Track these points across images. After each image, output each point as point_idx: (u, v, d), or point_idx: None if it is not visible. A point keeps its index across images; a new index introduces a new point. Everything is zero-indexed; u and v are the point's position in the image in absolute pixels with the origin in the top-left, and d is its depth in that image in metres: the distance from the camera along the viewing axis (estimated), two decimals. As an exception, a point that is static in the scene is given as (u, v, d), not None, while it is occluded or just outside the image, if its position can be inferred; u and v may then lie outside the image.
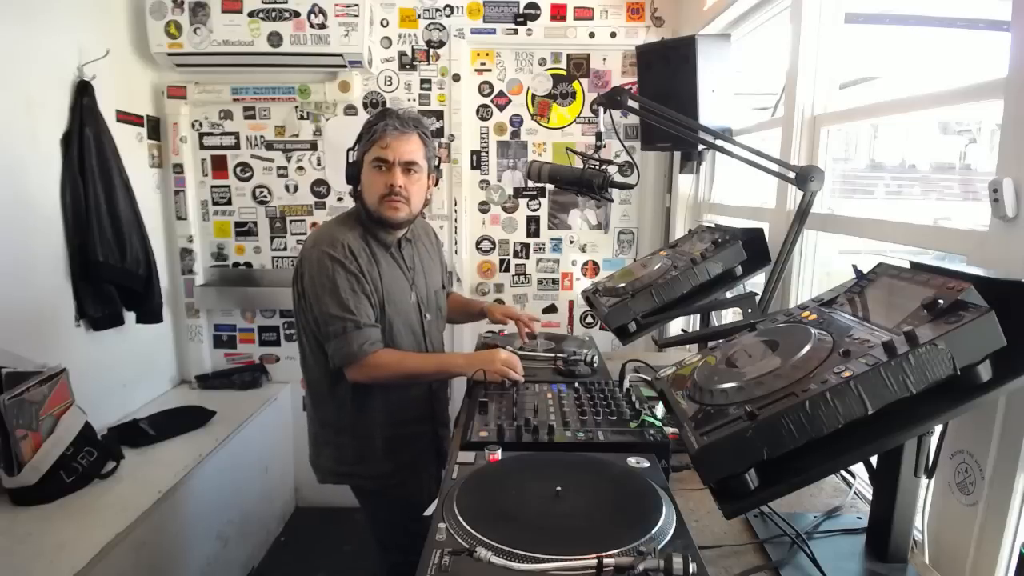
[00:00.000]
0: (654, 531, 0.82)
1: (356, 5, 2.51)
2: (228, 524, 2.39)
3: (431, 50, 2.78)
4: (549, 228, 2.99)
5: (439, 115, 2.82)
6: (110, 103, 2.38)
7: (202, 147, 2.84)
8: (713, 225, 2.00)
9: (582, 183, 1.75)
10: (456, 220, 2.88)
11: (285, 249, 2.93)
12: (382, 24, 2.75)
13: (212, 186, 2.87)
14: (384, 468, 1.66)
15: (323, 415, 1.69)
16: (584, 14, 2.74)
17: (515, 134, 2.91)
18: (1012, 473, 0.90)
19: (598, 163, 1.74)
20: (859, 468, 1.20)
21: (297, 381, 2.86)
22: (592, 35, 2.75)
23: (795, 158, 1.66)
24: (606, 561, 0.74)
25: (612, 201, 2.52)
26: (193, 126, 2.80)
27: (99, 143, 2.25)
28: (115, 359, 2.43)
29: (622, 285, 1.76)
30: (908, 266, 0.92)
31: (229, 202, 2.89)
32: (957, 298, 0.75)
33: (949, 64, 1.62)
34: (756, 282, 1.81)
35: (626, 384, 1.45)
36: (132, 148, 2.54)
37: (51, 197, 2.13)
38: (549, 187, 2.85)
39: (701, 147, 2.33)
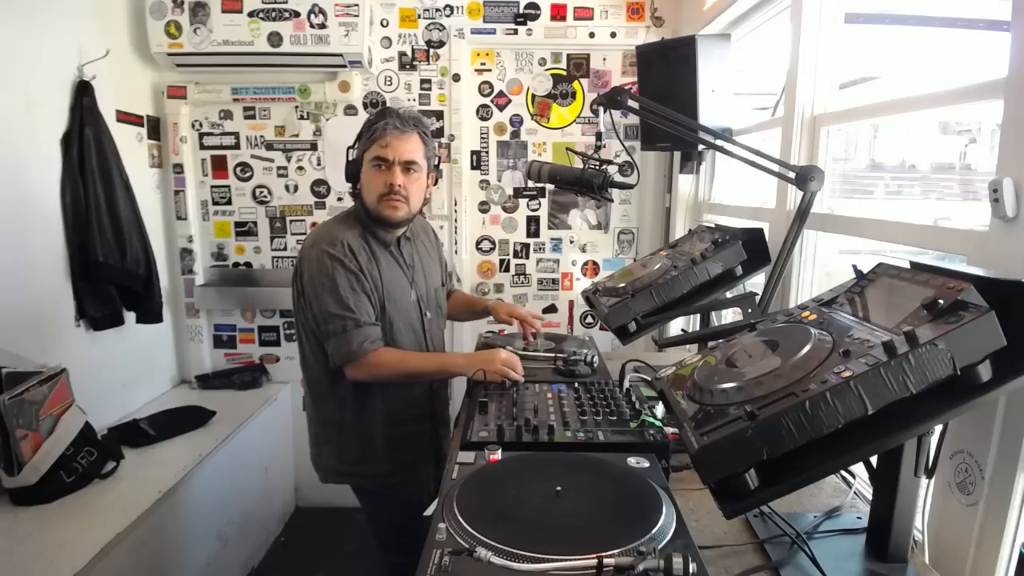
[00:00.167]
0: (654, 531, 0.82)
1: (356, 5, 2.51)
2: (228, 524, 2.39)
3: (431, 50, 2.78)
4: (549, 228, 2.99)
5: (439, 115, 2.82)
6: (110, 103, 2.38)
7: (202, 147, 2.84)
8: (713, 225, 2.01)
9: (582, 183, 1.75)
10: (456, 220, 2.88)
11: (285, 249, 2.93)
12: (382, 24, 2.75)
13: (212, 186, 2.87)
14: (385, 467, 1.66)
15: (324, 414, 1.69)
16: (584, 14, 2.74)
17: (515, 134, 2.91)
18: (1012, 473, 0.90)
19: (598, 163, 1.74)
20: (859, 468, 1.20)
21: (297, 381, 2.86)
22: (592, 35, 2.75)
23: (795, 158, 1.66)
24: (606, 561, 0.74)
25: (612, 201, 2.51)
26: (193, 126, 2.80)
27: (99, 143, 2.25)
28: (115, 359, 2.43)
29: (622, 285, 1.76)
30: (908, 266, 0.92)
31: (229, 202, 2.89)
32: (957, 298, 0.75)
33: (949, 64, 1.62)
34: (756, 282, 1.81)
35: (626, 384, 1.45)
36: (132, 148, 2.54)
37: (51, 197, 2.13)
38: (549, 187, 2.85)
39: (701, 147, 2.33)
